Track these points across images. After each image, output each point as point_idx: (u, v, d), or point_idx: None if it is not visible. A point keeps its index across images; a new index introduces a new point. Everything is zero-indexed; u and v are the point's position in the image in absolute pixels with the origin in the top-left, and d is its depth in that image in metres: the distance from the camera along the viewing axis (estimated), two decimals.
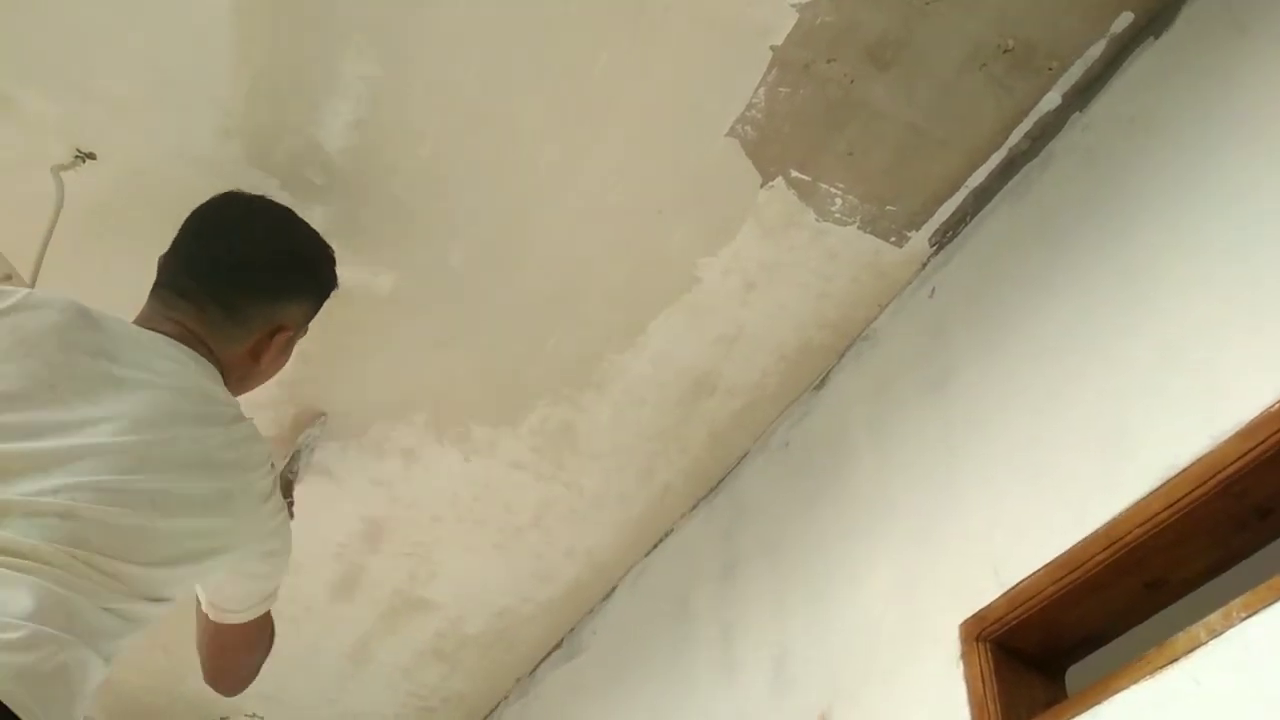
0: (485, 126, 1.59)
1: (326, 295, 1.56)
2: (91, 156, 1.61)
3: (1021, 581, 1.28)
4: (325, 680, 2.73)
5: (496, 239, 1.75)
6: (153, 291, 1.41)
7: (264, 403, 1.88)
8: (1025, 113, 1.56)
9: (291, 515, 1.92)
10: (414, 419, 2.05)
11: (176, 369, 1.29)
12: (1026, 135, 1.59)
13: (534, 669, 2.67)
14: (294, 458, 2.02)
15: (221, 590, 1.38)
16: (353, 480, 2.17)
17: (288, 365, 1.59)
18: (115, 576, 1.10)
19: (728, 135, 1.60)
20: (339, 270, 1.72)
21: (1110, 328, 1.32)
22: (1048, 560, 1.26)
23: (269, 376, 1.50)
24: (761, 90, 1.54)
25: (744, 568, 1.96)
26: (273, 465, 1.36)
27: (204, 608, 1.41)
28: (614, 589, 2.42)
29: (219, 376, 1.35)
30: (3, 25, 1.48)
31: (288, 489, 1.95)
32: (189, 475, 1.21)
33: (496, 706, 2.81)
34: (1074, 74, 1.51)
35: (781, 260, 1.76)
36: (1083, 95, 1.52)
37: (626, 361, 1.94)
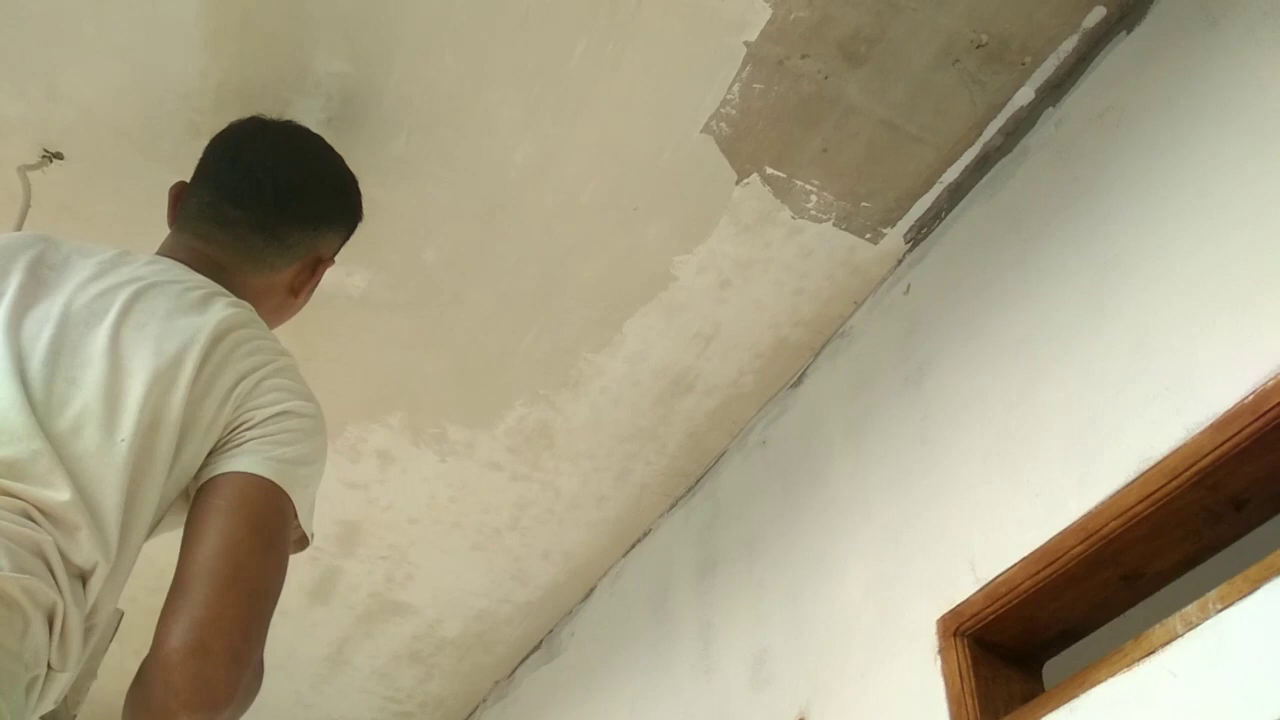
0: (459, 123, 1.58)
1: (355, 228, 1.50)
2: (59, 156, 1.59)
3: (998, 576, 1.28)
4: (301, 684, 2.70)
5: (471, 237, 1.73)
6: (177, 225, 1.32)
7: None
8: (999, 108, 1.57)
9: None
10: (389, 420, 2.04)
11: (213, 309, 1.17)
12: (1000, 131, 1.59)
13: (512, 671, 2.66)
14: None
15: (292, 474, 1.20)
16: (327, 483, 2.11)
17: None
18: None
19: (702, 132, 1.59)
20: None
21: (1084, 321, 1.32)
22: (1024, 554, 1.26)
23: (295, 312, 1.43)
24: (736, 86, 1.54)
25: (722, 566, 1.95)
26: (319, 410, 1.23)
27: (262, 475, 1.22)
28: (592, 590, 2.41)
29: (253, 311, 1.23)
30: None
31: None
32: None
33: (475, 710, 2.79)
34: (1047, 68, 1.51)
35: (757, 257, 1.76)
36: (1056, 90, 1.52)
37: (603, 360, 1.93)
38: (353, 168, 1.61)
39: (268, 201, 1.33)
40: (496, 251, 1.76)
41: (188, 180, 1.39)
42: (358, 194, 1.49)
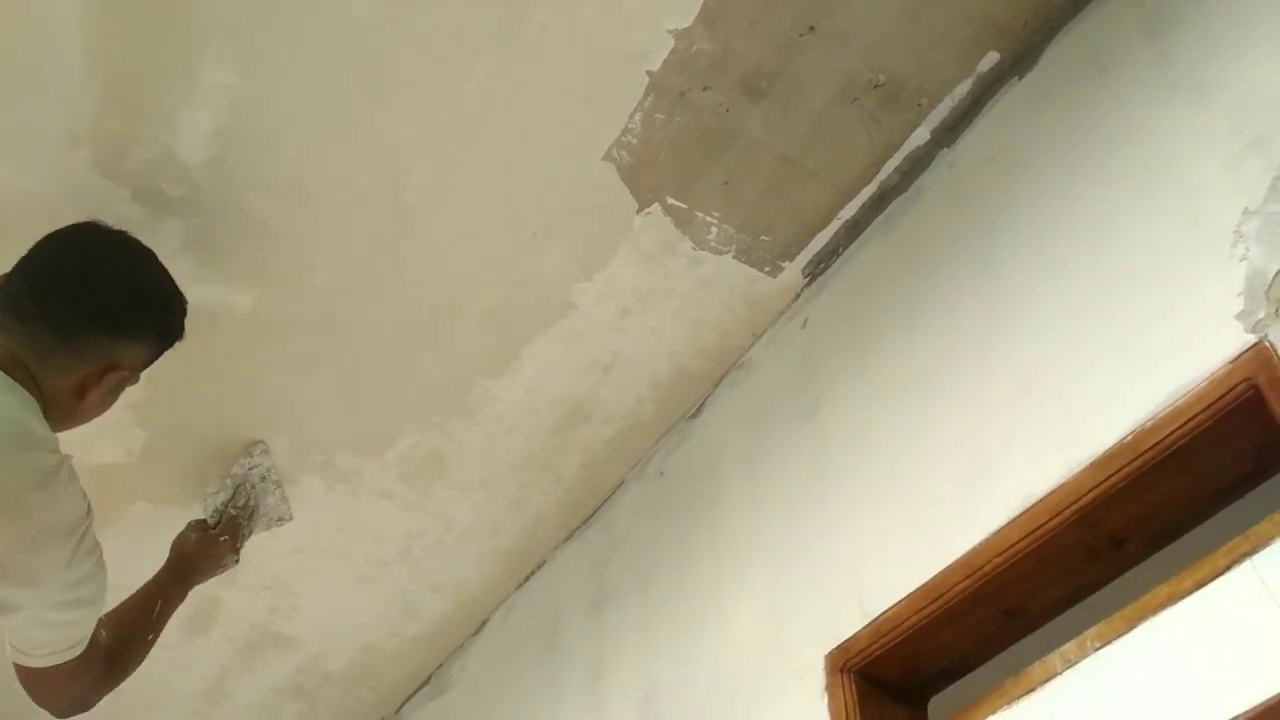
0: (353, 140, 1.54)
1: (169, 344, 1.50)
2: None
3: (885, 611, 1.28)
4: (177, 719, 2.58)
5: (364, 258, 1.69)
6: None
7: (110, 426, 1.78)
8: (895, 147, 1.59)
9: (237, 558, 1.83)
10: (274, 444, 1.96)
11: None
12: (897, 170, 1.61)
13: (399, 708, 2.58)
14: (238, 492, 1.90)
15: (23, 634, 1.28)
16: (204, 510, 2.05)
17: (137, 385, 1.50)
18: None
19: (604, 159, 1.58)
20: (196, 287, 1.64)
21: (972, 359, 1.34)
22: (910, 590, 1.26)
23: (92, 417, 1.42)
24: (638, 115, 1.53)
25: (615, 600, 1.92)
26: (89, 511, 1.27)
27: (9, 651, 1.31)
28: (484, 623, 2.36)
29: (37, 409, 1.27)
30: None
31: (232, 528, 1.84)
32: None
33: None
34: (942, 110, 1.54)
35: (657, 287, 1.75)
36: (951, 132, 1.55)
37: (499, 388, 1.89)
38: (239, 182, 1.57)
39: (64, 300, 1.34)
40: (391, 274, 1.71)
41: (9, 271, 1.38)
42: (175, 312, 1.49)
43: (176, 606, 1.68)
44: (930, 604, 1.21)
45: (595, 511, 2.11)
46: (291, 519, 2.00)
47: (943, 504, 1.27)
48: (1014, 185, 1.40)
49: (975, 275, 1.40)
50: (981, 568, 1.17)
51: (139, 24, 1.41)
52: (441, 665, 2.46)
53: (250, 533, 1.91)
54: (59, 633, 1.29)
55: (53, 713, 1.41)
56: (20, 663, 1.31)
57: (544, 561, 2.22)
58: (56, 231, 1.42)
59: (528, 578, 2.25)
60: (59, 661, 1.30)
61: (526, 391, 1.90)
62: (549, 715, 1.98)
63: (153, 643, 1.58)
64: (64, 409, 1.35)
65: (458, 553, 2.19)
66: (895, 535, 1.33)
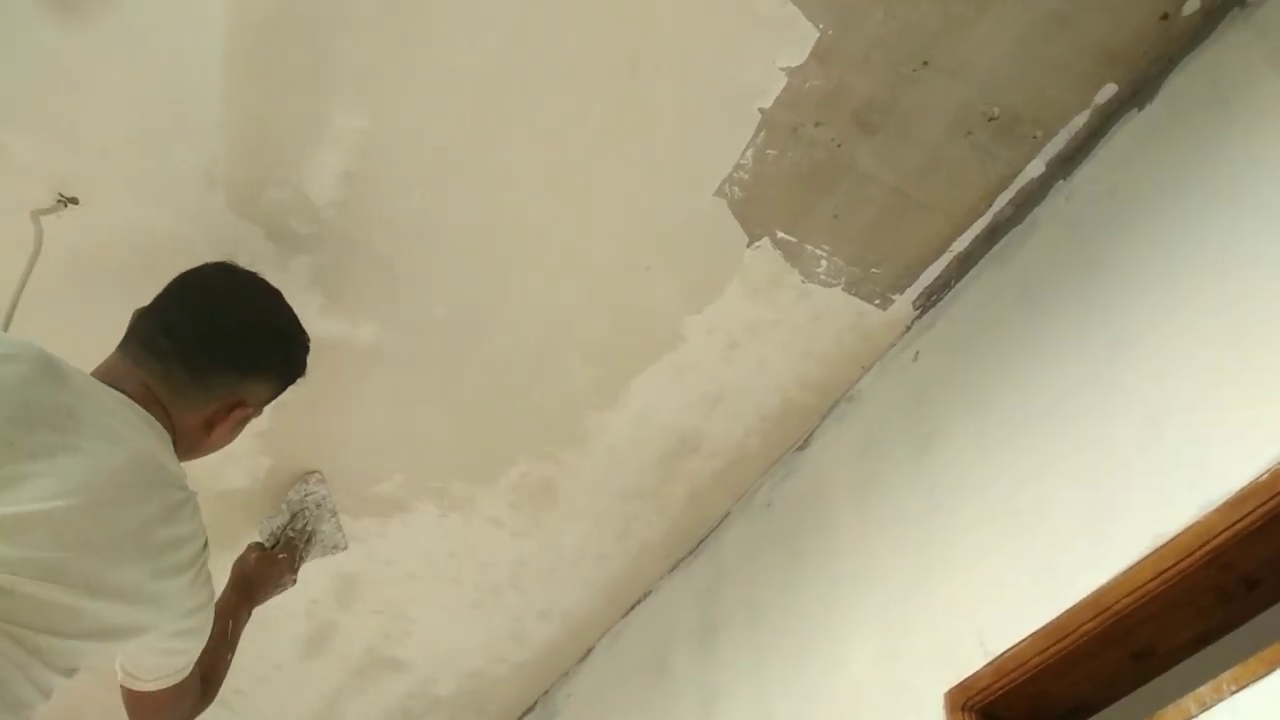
0: (473, 180, 1.59)
1: (292, 381, 1.57)
2: (74, 201, 1.60)
3: (1007, 650, 1.26)
4: None
5: (480, 293, 1.74)
6: (122, 345, 1.40)
7: (238, 453, 1.86)
8: (1009, 180, 1.58)
9: (295, 578, 1.91)
10: (392, 473, 2.02)
11: (133, 435, 1.28)
12: (1010, 202, 1.60)
13: None
14: (295, 517, 1.98)
15: (135, 659, 1.37)
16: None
17: (264, 415, 1.57)
18: (36, 650, 1.11)
19: (715, 195, 1.60)
20: (321, 321, 1.72)
21: (1095, 395, 1.32)
22: (1034, 629, 1.24)
23: (215, 450, 1.48)
24: (749, 151, 1.55)
25: (724, 631, 1.92)
26: (206, 544, 1.34)
27: (119, 675, 1.40)
28: (590, 650, 2.38)
29: (170, 443, 1.34)
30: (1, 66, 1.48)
31: (290, 549, 1.92)
32: (124, 556, 1.20)
33: None
34: (1058, 143, 1.52)
35: (766, 320, 1.76)
36: (1066, 164, 1.53)
37: (608, 419, 1.92)
38: (365, 221, 1.63)
39: (196, 338, 1.40)
40: (505, 308, 1.76)
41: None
42: (299, 349, 1.57)
43: (245, 624, 1.76)
44: (1055, 644, 1.20)
45: (701, 542, 2.12)
46: (346, 548, 2.07)
47: (1067, 543, 1.26)
48: (1135, 219, 1.38)
49: (1096, 310, 1.38)
50: (1110, 608, 1.15)
51: (274, 71, 1.48)
52: (547, 692, 2.49)
53: (306, 557, 1.98)
54: (171, 659, 1.37)
55: None
56: (130, 686, 1.39)
57: (649, 591, 2.23)
58: (190, 271, 1.50)
59: (633, 607, 2.27)
60: (167, 685, 1.39)
61: (635, 422, 1.93)
62: None
63: (230, 661, 1.66)
64: (191, 441, 1.41)
65: (565, 580, 2.22)
66: (1016, 573, 1.31)
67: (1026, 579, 1.29)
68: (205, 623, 1.37)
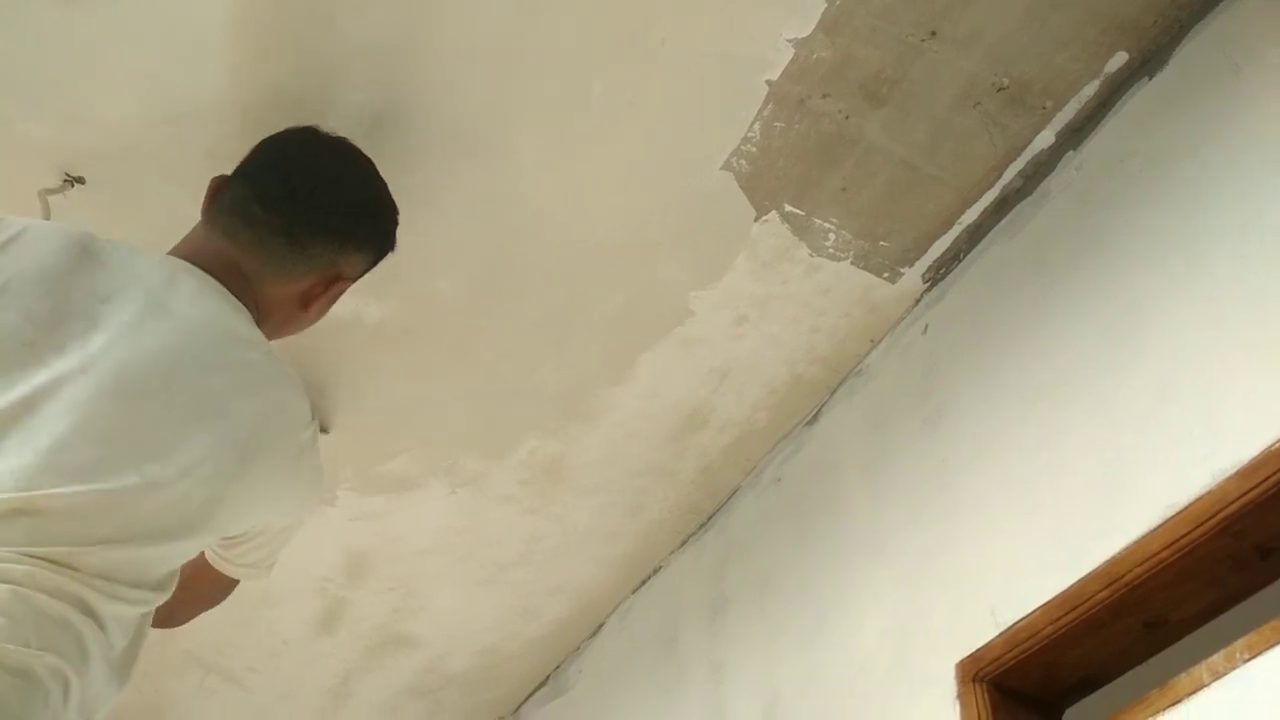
0: (480, 156, 1.59)
1: (384, 255, 1.47)
2: (80, 181, 1.59)
3: (1019, 621, 1.27)
4: (305, 716, 2.67)
5: (488, 270, 1.73)
6: (207, 218, 1.31)
7: None
8: (1019, 151, 1.57)
9: None
10: (402, 451, 2.03)
11: (192, 308, 1.17)
12: (1020, 173, 1.59)
13: (518, 708, 2.63)
14: None
15: (237, 547, 1.29)
16: (338, 513, 2.13)
17: None
18: (102, 572, 0.98)
19: (722, 169, 1.60)
20: None
21: (1107, 365, 1.32)
22: (1046, 599, 1.24)
23: (305, 327, 1.40)
24: (757, 125, 1.54)
25: (734, 606, 1.93)
26: (314, 417, 1.24)
27: (210, 554, 1.31)
28: (601, 626, 2.39)
29: (248, 315, 1.24)
30: (5, 47, 1.47)
31: None
32: (189, 432, 1.07)
33: None
34: (1068, 113, 1.51)
35: (774, 294, 1.76)
36: (1077, 134, 1.52)
37: (617, 395, 1.92)
38: None
39: (296, 206, 1.31)
40: (513, 284, 1.76)
41: (229, 174, 1.38)
42: (394, 222, 1.47)
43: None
44: (1067, 614, 1.20)
45: (711, 517, 2.13)
46: None
47: (1079, 513, 1.26)
48: (1147, 187, 1.37)
49: (1107, 278, 1.37)
50: (1122, 577, 1.15)
51: (280, 47, 1.47)
52: (559, 667, 2.50)
53: None
54: (261, 554, 1.33)
55: (188, 618, 1.43)
56: (219, 567, 1.33)
57: (660, 567, 2.24)
58: (277, 135, 1.40)
59: (644, 582, 2.28)
60: (240, 577, 1.37)
61: (645, 398, 1.93)
62: (669, 717, 2.00)
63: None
64: (282, 316, 1.32)
65: (576, 556, 2.23)
66: (1028, 544, 1.31)
67: (1038, 549, 1.29)
68: (286, 542, 1.31)
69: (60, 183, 1.58)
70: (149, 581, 1.06)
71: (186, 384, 1.11)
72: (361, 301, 1.76)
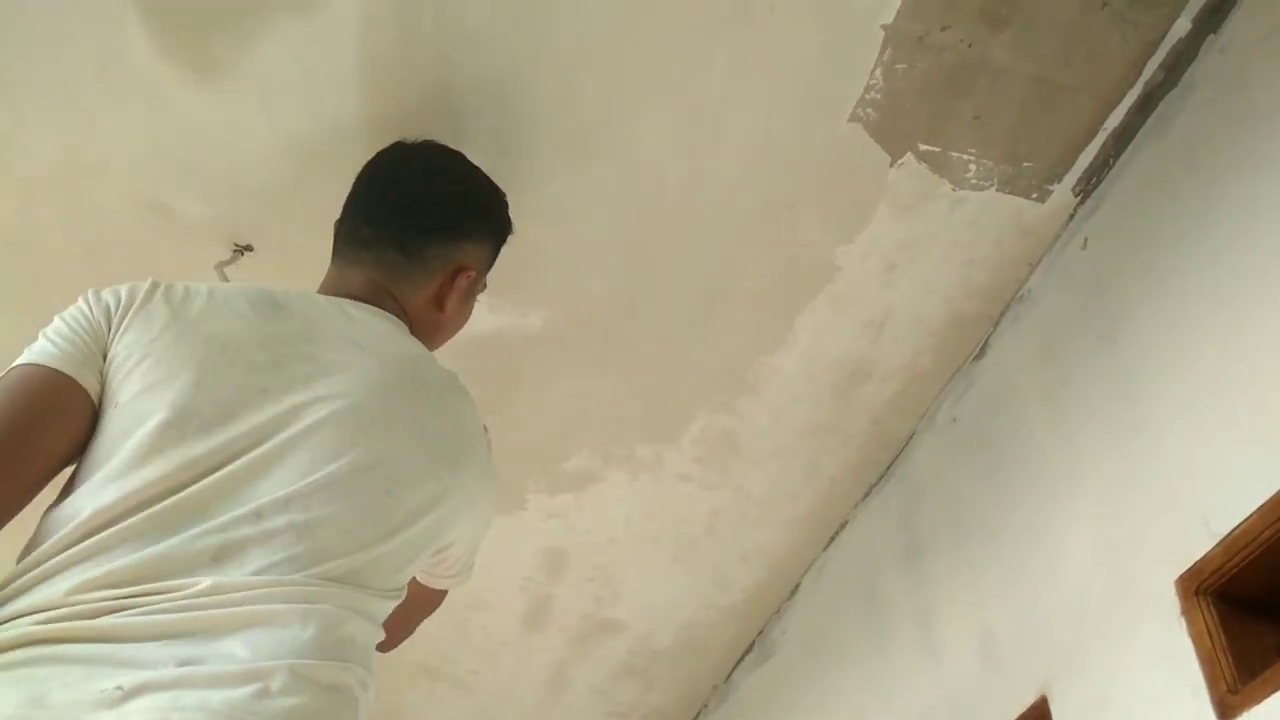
0: (608, 156, 1.62)
1: (503, 238, 1.51)
2: (249, 249, 1.69)
3: (1236, 528, 1.23)
4: (528, 711, 2.80)
5: (635, 263, 1.77)
6: (334, 255, 1.39)
7: None
8: (1155, 44, 1.51)
9: None
10: (579, 448, 2.09)
11: (369, 334, 1.25)
12: (1161, 66, 1.53)
13: (729, 675, 2.68)
14: None
15: (440, 559, 1.35)
16: (528, 515, 2.22)
17: None
18: (364, 581, 1.08)
19: (850, 120, 1.58)
20: (491, 317, 1.78)
21: None
22: (1260, 502, 1.20)
23: (456, 327, 1.46)
24: (878, 70, 1.53)
25: (929, 551, 1.93)
26: (485, 427, 1.32)
27: (421, 575, 1.39)
28: (797, 587, 2.41)
29: (405, 329, 1.32)
30: (151, 138, 1.58)
31: None
32: (408, 450, 1.17)
33: (697, 716, 2.83)
34: None
35: (920, 236, 1.74)
36: (1214, 15, 1.45)
37: (777, 361, 1.94)
38: (515, 215, 1.66)
39: (398, 216, 1.37)
40: (661, 271, 1.79)
41: None
42: (497, 205, 1.50)
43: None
44: None
45: (890, 467, 2.12)
46: None
47: None
48: None
49: (1273, 163, 1.31)
50: None
51: (406, 93, 1.52)
52: (762, 631, 2.54)
53: None
54: (463, 561, 1.39)
55: (404, 637, 1.48)
56: (427, 583, 1.40)
57: (846, 522, 2.25)
58: (370, 160, 1.47)
59: (832, 539, 2.29)
60: (448, 587, 1.43)
61: (804, 360, 1.94)
62: (879, 667, 2.01)
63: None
64: (429, 324, 1.38)
65: (761, 523, 2.26)
66: (1233, 449, 1.27)
67: (1245, 452, 1.25)
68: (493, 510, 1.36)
69: (231, 253, 1.69)
70: (394, 588, 1.15)
71: (400, 409, 1.20)
72: (521, 314, 1.82)
